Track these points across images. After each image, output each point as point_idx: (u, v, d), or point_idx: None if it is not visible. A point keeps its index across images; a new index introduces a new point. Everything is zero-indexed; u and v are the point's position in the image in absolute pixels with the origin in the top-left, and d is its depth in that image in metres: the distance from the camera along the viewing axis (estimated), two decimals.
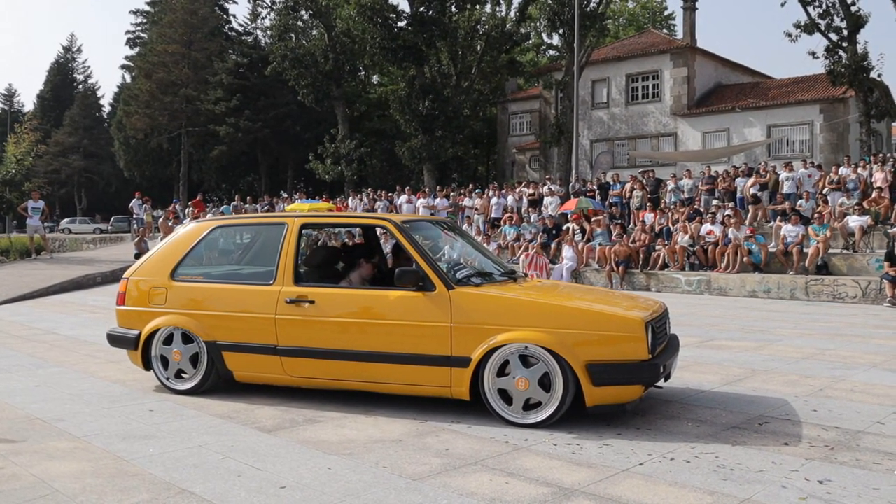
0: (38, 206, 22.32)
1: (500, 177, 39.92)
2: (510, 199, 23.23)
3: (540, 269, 15.01)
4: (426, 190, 28.27)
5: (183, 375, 6.03)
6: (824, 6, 26.98)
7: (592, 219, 19.02)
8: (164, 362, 6.07)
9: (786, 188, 19.12)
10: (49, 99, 70.03)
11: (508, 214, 21.43)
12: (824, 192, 18.29)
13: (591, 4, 31.83)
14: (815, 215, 16.12)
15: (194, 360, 5.94)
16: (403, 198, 24.79)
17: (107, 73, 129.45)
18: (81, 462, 4.27)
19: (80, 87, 72.35)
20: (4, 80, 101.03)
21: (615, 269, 16.57)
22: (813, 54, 27.98)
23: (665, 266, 16.43)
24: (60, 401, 5.83)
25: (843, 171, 19.18)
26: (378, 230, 7.58)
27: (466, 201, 24.44)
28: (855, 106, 28.69)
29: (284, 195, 35.87)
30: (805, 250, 14.90)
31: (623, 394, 4.90)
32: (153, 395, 5.98)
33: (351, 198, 28.78)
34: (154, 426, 5.04)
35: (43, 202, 22.87)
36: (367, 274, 6.03)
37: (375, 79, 54.70)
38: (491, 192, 24.12)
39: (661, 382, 5.24)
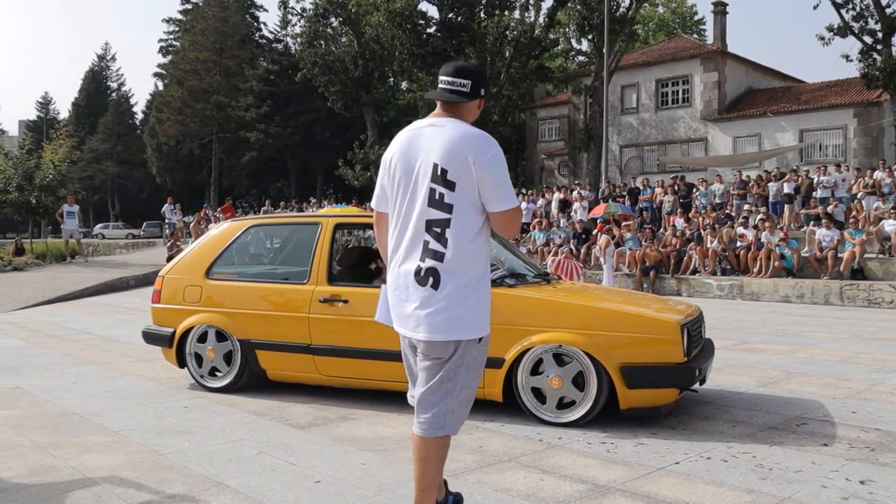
0: (73, 210, 22.86)
1: (529, 182, 39.84)
2: (540, 202, 23.17)
3: (569, 273, 14.92)
4: None
5: (217, 373, 6.07)
6: (858, 8, 26.64)
7: (622, 224, 18.92)
8: (199, 360, 6.12)
9: (819, 192, 18.89)
10: (83, 106, 71.12)
11: (538, 219, 21.38)
12: (859, 196, 18.04)
13: (621, 9, 31.74)
14: (851, 219, 15.90)
15: (228, 357, 5.99)
16: None
17: (140, 80, 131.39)
18: (118, 455, 4.31)
19: (114, 94, 73.39)
20: (41, 89, 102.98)
21: (645, 273, 16.45)
22: (846, 57, 27.63)
23: (696, 271, 16.29)
24: (96, 397, 5.90)
25: (878, 174, 18.90)
26: None
27: None
28: (890, 109, 28.27)
29: (314, 201, 36.12)
30: (840, 255, 14.69)
31: (658, 397, 4.85)
32: (187, 393, 6.03)
33: None
34: (189, 422, 5.08)
35: (77, 206, 23.34)
36: None
37: (404, 85, 54.93)
38: (520, 197, 24.09)
39: (696, 386, 5.19)
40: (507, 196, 2.87)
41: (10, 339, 9.39)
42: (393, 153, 3.01)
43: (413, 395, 3.07)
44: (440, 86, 3.01)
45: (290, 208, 30.75)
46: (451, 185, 2.84)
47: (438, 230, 2.85)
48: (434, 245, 2.86)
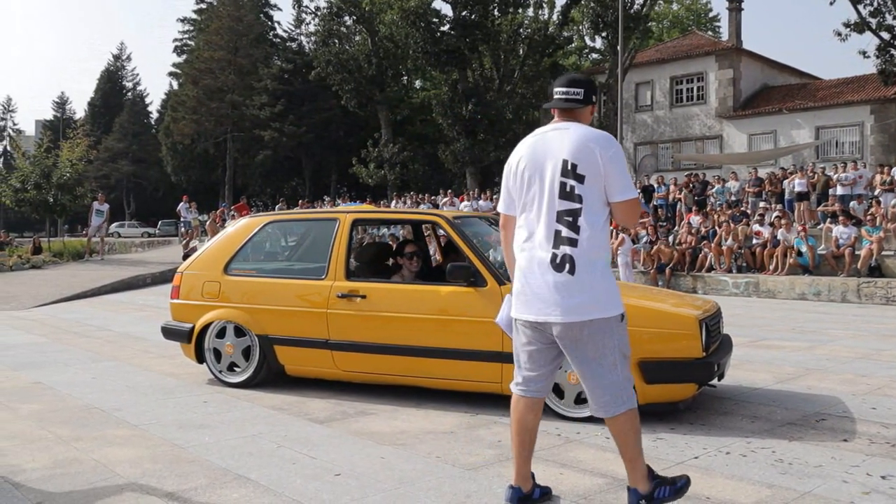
0: (103, 209, 23.20)
1: None
2: None
3: None
4: (469, 192, 28.31)
5: (235, 368, 6.11)
6: (875, 4, 26.46)
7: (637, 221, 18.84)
8: (217, 355, 6.16)
9: (840, 190, 18.76)
10: (99, 106, 71.59)
11: None
12: (876, 192, 17.92)
13: (635, 6, 31.64)
14: (868, 217, 15.79)
15: (246, 353, 6.02)
16: (446, 200, 24.86)
17: (155, 80, 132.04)
18: (139, 448, 4.35)
19: (129, 94, 73.85)
20: (57, 89, 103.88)
21: (660, 271, 16.41)
22: (864, 53, 27.45)
23: (711, 268, 16.23)
24: (117, 392, 5.96)
25: (895, 171, 18.75)
26: (424, 227, 7.60)
27: None
28: None
29: (328, 199, 36.21)
30: (857, 252, 14.59)
31: (676, 392, 4.84)
32: (206, 388, 6.07)
33: (394, 201, 28.94)
34: (208, 416, 5.12)
35: (108, 206, 23.69)
36: (415, 269, 6.05)
37: (418, 83, 54.96)
38: None
39: (714, 381, 5.18)
40: (627, 187, 3.16)
41: (30, 336, 9.48)
42: (520, 156, 3.31)
43: (517, 383, 3.39)
44: (555, 97, 3.32)
45: (303, 206, 30.81)
46: (580, 178, 3.12)
47: (570, 219, 3.12)
48: (567, 233, 3.12)
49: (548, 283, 3.12)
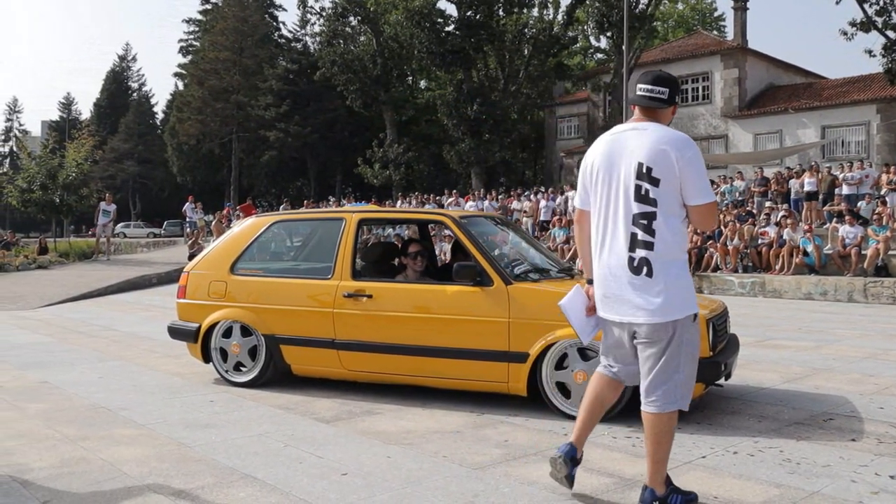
0: (110, 209, 23.46)
1: (548, 180, 39.76)
2: (559, 200, 23.14)
3: None
4: (475, 193, 28.31)
5: (241, 368, 6.11)
6: (881, 3, 26.40)
7: None
8: (224, 355, 6.17)
9: (846, 189, 18.71)
10: (105, 106, 71.73)
11: (558, 217, 21.35)
12: (882, 192, 17.86)
13: (640, 6, 31.61)
14: (874, 216, 15.74)
15: (253, 353, 6.03)
16: (451, 201, 24.85)
17: (160, 80, 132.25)
18: (146, 448, 4.36)
19: (135, 94, 73.99)
20: (63, 90, 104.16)
21: None
22: (870, 52, 27.39)
23: (717, 268, 16.20)
24: (123, 392, 5.96)
25: None
26: (431, 227, 7.60)
27: (515, 204, 24.42)
28: None
29: (333, 199, 36.23)
30: (863, 252, 14.55)
31: None
32: (212, 387, 6.08)
33: (399, 201, 28.94)
34: (215, 416, 5.13)
35: (115, 206, 24.03)
36: (420, 269, 6.04)
37: (423, 83, 54.96)
38: (540, 195, 24.06)
39: (721, 381, 5.16)
40: (704, 191, 3.17)
41: (37, 336, 9.51)
42: (595, 156, 3.34)
43: (610, 365, 3.48)
44: (638, 93, 3.31)
45: (308, 206, 30.83)
46: (655, 182, 3.13)
47: (645, 222, 3.15)
48: (643, 236, 3.16)
49: (628, 286, 3.20)
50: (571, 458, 3.48)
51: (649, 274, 3.15)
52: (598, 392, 3.50)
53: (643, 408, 3.28)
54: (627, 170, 3.18)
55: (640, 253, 3.15)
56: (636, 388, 4.72)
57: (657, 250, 3.14)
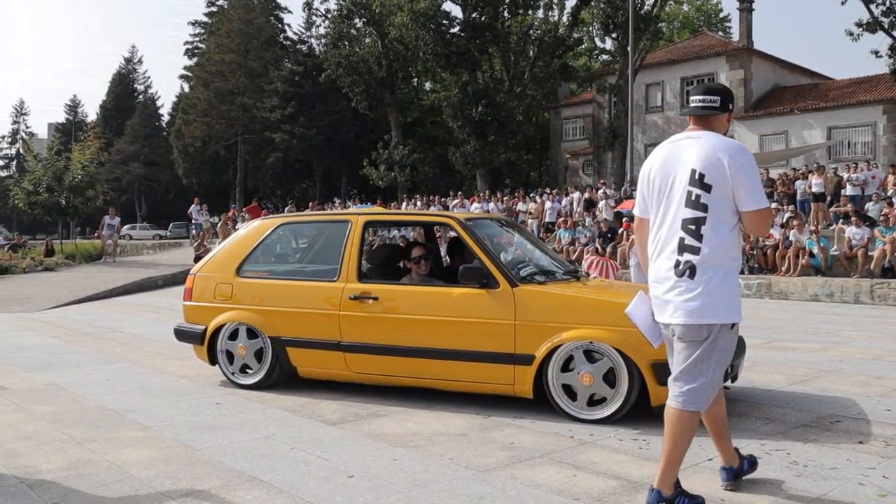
0: (114, 222, 24.57)
1: (553, 182, 39.75)
2: (564, 202, 23.12)
3: (605, 272, 14.80)
4: (480, 194, 28.31)
5: (248, 370, 6.12)
6: (888, 3, 26.33)
7: None
8: (230, 357, 6.18)
9: (850, 190, 18.67)
10: (111, 109, 71.90)
11: (563, 218, 21.33)
12: (889, 193, 17.82)
13: (645, 7, 31.57)
14: (881, 218, 15.70)
15: (259, 355, 6.03)
16: (456, 202, 24.86)
17: (166, 83, 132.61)
18: (153, 450, 4.37)
19: (141, 97, 74.14)
20: (69, 92, 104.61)
21: None
22: (876, 53, 27.32)
23: None
24: (130, 394, 5.98)
25: None
26: (436, 229, 7.60)
27: (520, 206, 24.41)
28: None
29: (338, 201, 36.27)
30: (870, 253, 14.51)
31: None
32: (219, 390, 6.09)
33: (405, 203, 28.96)
34: (221, 418, 5.13)
35: (119, 219, 24.75)
36: (423, 272, 6.03)
37: (428, 85, 55.02)
38: (545, 197, 24.05)
39: (727, 383, 5.15)
40: (758, 198, 3.24)
41: (43, 338, 9.53)
42: (653, 164, 3.45)
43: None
44: (692, 104, 3.45)
45: (313, 208, 30.86)
46: (707, 188, 3.23)
47: (694, 227, 3.24)
48: (690, 241, 3.25)
49: (671, 289, 3.28)
50: (735, 475, 3.61)
51: (691, 276, 3.23)
52: (706, 413, 3.52)
53: (668, 402, 3.34)
54: (682, 176, 3.29)
55: (686, 257, 3.24)
56: (640, 391, 4.75)
57: (702, 254, 3.21)
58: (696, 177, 3.24)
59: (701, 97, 3.41)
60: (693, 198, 3.23)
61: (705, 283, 3.20)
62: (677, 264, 3.26)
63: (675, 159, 3.34)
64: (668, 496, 3.28)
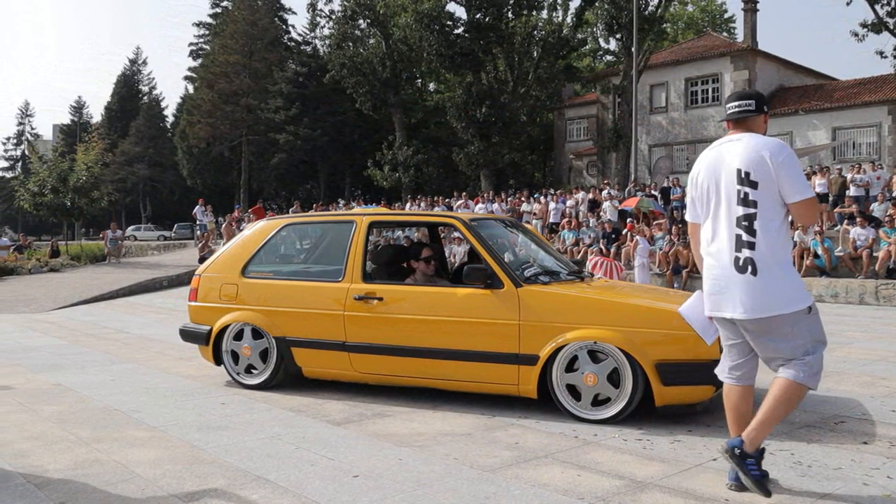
0: (116, 235, 25.68)
1: (557, 182, 39.74)
2: (569, 202, 23.12)
3: (609, 272, 14.82)
4: (484, 195, 28.31)
5: (253, 370, 6.14)
6: (892, 4, 26.29)
7: (654, 222, 18.80)
8: (235, 357, 6.20)
9: (853, 191, 18.64)
10: (116, 110, 72.02)
11: (567, 219, 21.34)
12: (895, 194, 17.79)
13: (650, 8, 31.56)
14: (886, 218, 15.67)
15: (264, 355, 6.05)
16: (460, 203, 24.88)
17: (170, 84, 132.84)
18: (159, 450, 4.39)
19: (145, 98, 74.23)
20: (74, 93, 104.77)
21: (676, 272, 16.35)
22: (881, 54, 27.30)
23: None
24: (135, 394, 6.00)
25: None
26: (440, 229, 7.61)
27: (524, 206, 24.41)
28: None
29: (342, 202, 36.32)
30: (875, 254, 14.49)
31: (693, 394, 4.83)
32: (224, 390, 6.11)
33: (409, 204, 28.99)
34: (227, 418, 5.15)
35: (120, 232, 25.65)
36: (430, 271, 6.05)
37: (432, 86, 55.05)
38: (549, 197, 24.05)
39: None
40: (802, 189, 3.39)
41: (50, 338, 9.57)
42: (700, 169, 3.65)
43: (724, 371, 3.72)
44: (729, 112, 3.66)
45: (317, 209, 30.90)
46: (754, 185, 3.40)
47: (747, 224, 3.41)
48: (746, 237, 3.41)
49: (734, 284, 3.43)
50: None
51: (754, 273, 3.37)
52: (733, 407, 3.68)
53: (779, 373, 3.47)
54: (728, 177, 3.47)
55: (745, 253, 3.40)
56: (644, 392, 4.75)
57: (759, 249, 3.37)
58: (743, 175, 3.41)
59: (737, 103, 3.61)
60: (742, 195, 3.41)
61: (769, 277, 3.35)
62: (737, 261, 3.41)
63: (720, 162, 3.53)
64: (749, 451, 3.43)
